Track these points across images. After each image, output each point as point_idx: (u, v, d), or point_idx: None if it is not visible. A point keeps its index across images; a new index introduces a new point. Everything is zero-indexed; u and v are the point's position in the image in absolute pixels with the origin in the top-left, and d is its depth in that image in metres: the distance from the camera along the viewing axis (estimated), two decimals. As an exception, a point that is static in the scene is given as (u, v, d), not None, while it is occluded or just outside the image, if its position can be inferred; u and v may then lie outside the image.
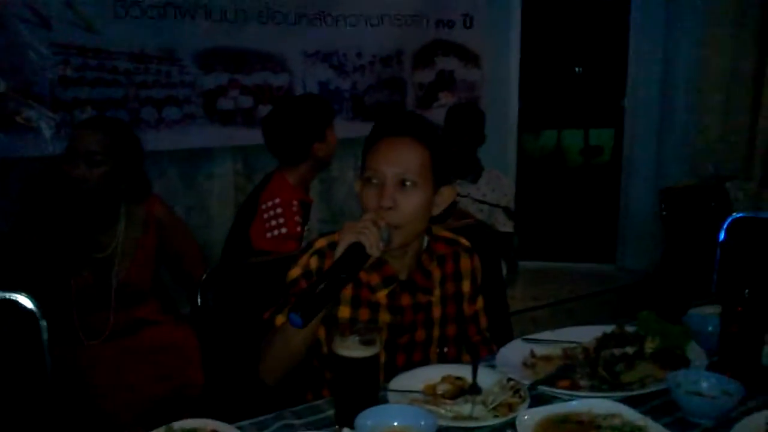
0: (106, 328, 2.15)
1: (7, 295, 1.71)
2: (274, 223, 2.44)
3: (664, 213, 3.22)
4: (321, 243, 1.56)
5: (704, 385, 1.30)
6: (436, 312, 1.63)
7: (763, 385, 1.38)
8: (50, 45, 2.84)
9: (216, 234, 3.24)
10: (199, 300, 1.76)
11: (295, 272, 1.55)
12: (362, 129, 3.68)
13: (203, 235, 3.22)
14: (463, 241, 1.71)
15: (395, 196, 1.47)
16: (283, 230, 2.43)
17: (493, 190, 3.37)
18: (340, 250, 1.39)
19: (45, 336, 1.71)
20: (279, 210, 2.46)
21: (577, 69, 6.60)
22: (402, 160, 1.48)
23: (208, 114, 3.26)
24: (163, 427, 1.16)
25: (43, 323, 1.70)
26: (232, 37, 3.27)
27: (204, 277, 1.78)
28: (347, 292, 1.55)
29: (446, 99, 4.01)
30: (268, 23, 3.36)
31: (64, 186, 2.09)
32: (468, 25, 4.03)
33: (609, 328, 1.58)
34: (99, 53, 2.96)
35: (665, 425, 1.21)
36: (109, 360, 2.11)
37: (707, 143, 4.18)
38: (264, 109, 3.35)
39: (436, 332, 1.64)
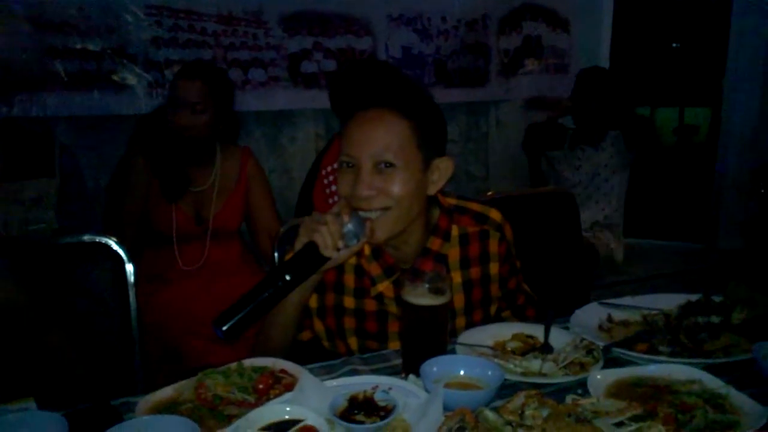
0: (201, 258, 2.29)
1: (98, 238, 1.82)
2: (334, 188, 2.45)
3: (762, 191, 3.04)
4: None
5: (795, 356, 1.22)
6: (458, 300, 1.44)
7: None
8: (144, 6, 2.94)
9: (296, 196, 3.30)
10: (275, 255, 1.81)
11: None
12: (444, 95, 3.65)
13: (284, 196, 3.28)
14: (494, 215, 1.49)
15: (374, 181, 1.27)
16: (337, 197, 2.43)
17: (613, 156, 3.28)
18: (296, 247, 1.25)
19: (131, 279, 1.80)
20: (332, 178, 2.46)
21: (674, 44, 6.25)
22: (377, 139, 1.27)
23: (292, 77, 3.30)
24: (235, 363, 1.19)
25: (130, 267, 1.80)
26: (317, 0, 3.29)
27: (280, 232, 1.83)
28: (350, 281, 1.42)
29: (532, 66, 3.90)
30: (352, -14, 3.36)
31: (169, 132, 2.22)
32: (558, -12, 3.89)
33: (694, 297, 1.51)
34: (190, 15, 3.04)
35: (750, 396, 1.14)
36: (198, 288, 2.23)
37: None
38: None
39: (461, 322, 1.46)
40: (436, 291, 1.22)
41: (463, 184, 3.72)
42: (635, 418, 0.97)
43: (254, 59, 3.22)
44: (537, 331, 1.38)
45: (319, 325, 1.46)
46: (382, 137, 1.28)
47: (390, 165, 1.28)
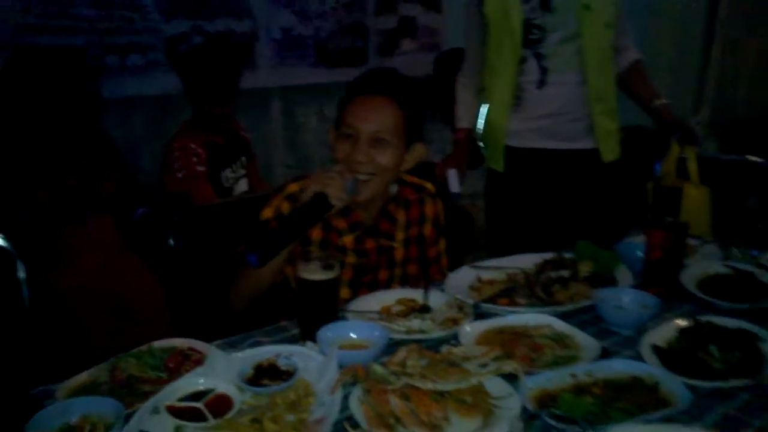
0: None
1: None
2: (176, 166, 2.68)
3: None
4: (293, 187, 1.67)
5: (625, 300, 1.48)
6: (399, 254, 1.77)
7: (678, 300, 1.57)
8: (11, -8, 2.84)
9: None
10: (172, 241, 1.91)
11: (267, 213, 1.67)
12: (325, 75, 3.77)
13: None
14: (429, 186, 1.84)
15: (369, 151, 1.58)
16: (184, 173, 2.66)
17: None
18: (305, 198, 1.51)
19: (22, 275, 1.82)
20: (176, 154, 2.69)
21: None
22: (378, 119, 1.59)
23: (171, 61, 3.29)
24: (145, 345, 1.29)
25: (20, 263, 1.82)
26: (195, -18, 3.29)
27: (176, 219, 1.92)
28: (317, 235, 1.67)
29: (407, 46, 4.09)
30: (231, -32, 3.38)
31: None
32: (429, -31, 4.08)
33: (549, 255, 1.76)
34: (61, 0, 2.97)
35: (590, 334, 1.38)
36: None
37: None
38: (228, 56, 3.40)
39: (398, 272, 1.78)
40: (327, 267, 1.37)
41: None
42: (497, 359, 1.18)
43: (132, 44, 3.18)
44: (418, 295, 1.58)
45: (288, 270, 1.64)
46: (382, 118, 1.60)
47: (383, 141, 1.59)
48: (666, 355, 1.27)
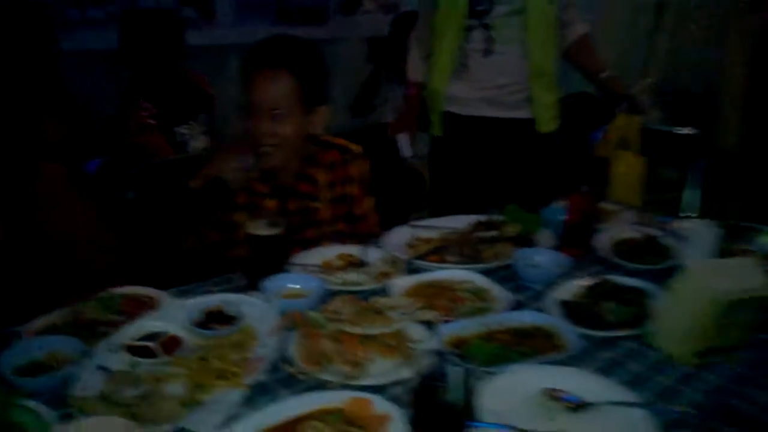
0: None
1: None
2: (127, 118, 2.79)
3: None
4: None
5: (540, 259, 1.66)
6: (325, 213, 1.88)
7: (591, 261, 1.76)
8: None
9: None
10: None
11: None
12: (285, 33, 3.82)
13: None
14: (355, 148, 1.93)
15: (269, 124, 1.69)
16: (135, 125, 2.78)
17: None
18: (203, 182, 1.66)
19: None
20: (127, 108, 2.79)
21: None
22: (272, 92, 1.67)
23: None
24: (104, 291, 1.42)
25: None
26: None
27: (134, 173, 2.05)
28: (242, 199, 1.79)
29: (369, 5, 4.15)
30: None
31: None
32: (390, -71, 4.12)
33: (481, 217, 1.92)
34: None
35: (507, 289, 1.56)
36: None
37: None
38: (187, 10, 3.44)
39: (327, 229, 1.89)
40: (273, 224, 1.51)
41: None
42: (418, 309, 1.34)
43: (91, -4, 3.20)
44: (357, 250, 1.73)
45: (216, 236, 1.78)
46: (275, 91, 1.67)
47: (280, 113, 1.68)
48: (567, 308, 1.46)
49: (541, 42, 2.32)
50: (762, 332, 1.35)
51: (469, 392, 0.91)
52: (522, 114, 2.41)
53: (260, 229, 1.50)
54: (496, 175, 2.45)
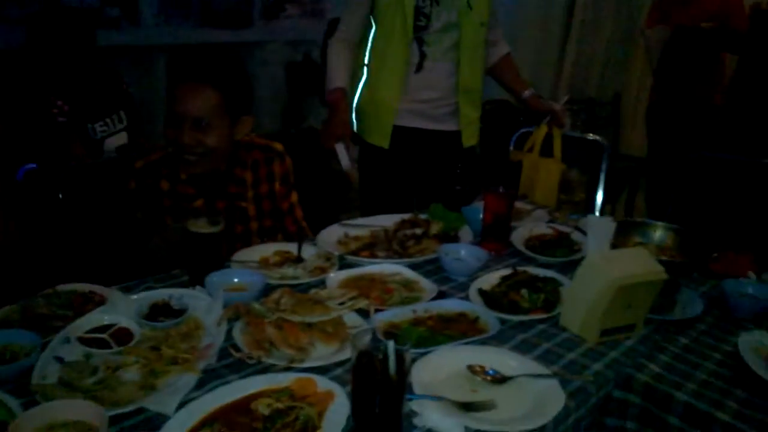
0: None
1: None
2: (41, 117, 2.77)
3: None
4: (139, 164, 1.92)
5: (462, 253, 1.82)
6: (251, 210, 1.99)
7: (509, 255, 1.93)
8: None
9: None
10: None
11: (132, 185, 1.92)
12: (208, 35, 3.86)
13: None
14: (277, 146, 2.04)
15: (194, 134, 1.78)
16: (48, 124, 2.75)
17: None
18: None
19: None
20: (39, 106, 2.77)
21: None
22: (197, 104, 1.76)
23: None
24: (50, 289, 1.47)
25: None
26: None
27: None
28: (167, 203, 1.88)
29: (292, 10, 4.24)
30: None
31: None
32: (314, -64, 4.23)
33: (407, 216, 2.07)
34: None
35: (434, 281, 1.71)
36: None
37: None
38: (111, 11, 3.43)
39: (253, 225, 2.01)
40: (213, 222, 1.59)
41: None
42: (353, 299, 1.47)
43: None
44: (293, 248, 1.83)
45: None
46: (201, 103, 1.77)
47: (205, 123, 1.78)
48: (487, 296, 1.62)
49: (469, 59, 2.46)
50: (653, 313, 1.55)
51: (402, 365, 1.04)
52: (449, 126, 2.56)
53: (201, 227, 1.58)
54: (422, 180, 2.59)
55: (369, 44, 2.49)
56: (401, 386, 1.05)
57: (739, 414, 1.25)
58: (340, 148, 2.37)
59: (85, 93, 2.87)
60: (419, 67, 2.45)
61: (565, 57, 5.27)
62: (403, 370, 1.04)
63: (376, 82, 2.50)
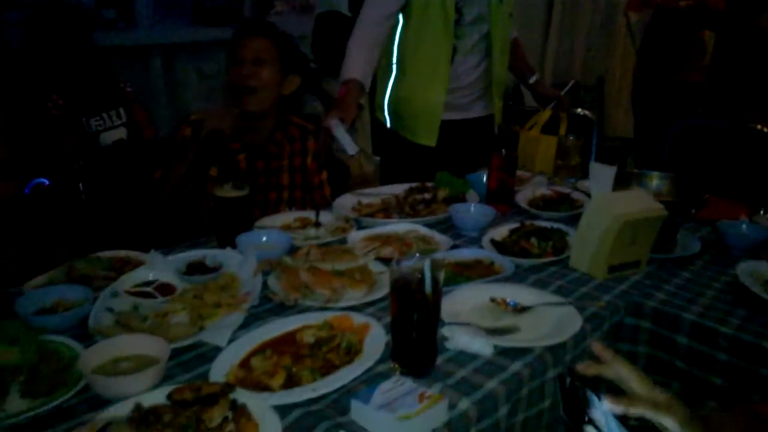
0: None
1: None
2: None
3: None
4: (196, 116, 2.07)
5: (472, 209, 1.92)
6: (285, 179, 2.15)
7: (513, 214, 2.03)
8: None
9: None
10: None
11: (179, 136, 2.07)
12: (203, 34, 3.94)
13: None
14: (310, 126, 2.24)
15: (252, 68, 2.06)
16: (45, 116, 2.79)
17: None
18: (203, 135, 1.93)
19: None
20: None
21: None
22: (257, 47, 2.07)
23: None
24: (94, 254, 1.55)
25: None
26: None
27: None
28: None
29: (281, 7, 4.33)
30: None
31: None
32: (299, -65, 4.33)
33: (415, 184, 2.16)
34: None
35: (447, 235, 1.81)
36: None
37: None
38: (108, 12, 3.51)
39: (285, 195, 2.15)
40: (239, 187, 1.68)
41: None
42: (376, 248, 1.56)
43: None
44: (310, 215, 1.93)
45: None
46: (260, 46, 2.08)
47: (262, 60, 2.07)
48: (499, 245, 1.72)
49: (500, 52, 2.51)
50: (655, 253, 1.66)
51: (437, 285, 1.13)
52: (476, 113, 2.62)
53: (227, 191, 1.67)
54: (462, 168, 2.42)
55: (397, 41, 2.48)
56: (437, 305, 1.15)
57: (741, 327, 1.36)
58: (340, 130, 2.14)
59: (80, 88, 2.92)
60: (450, 61, 2.46)
61: (547, 44, 5.40)
62: (438, 289, 1.13)
63: (413, 80, 2.49)
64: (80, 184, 2.44)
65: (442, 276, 1.14)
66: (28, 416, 1.00)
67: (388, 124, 2.60)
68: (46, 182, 2.58)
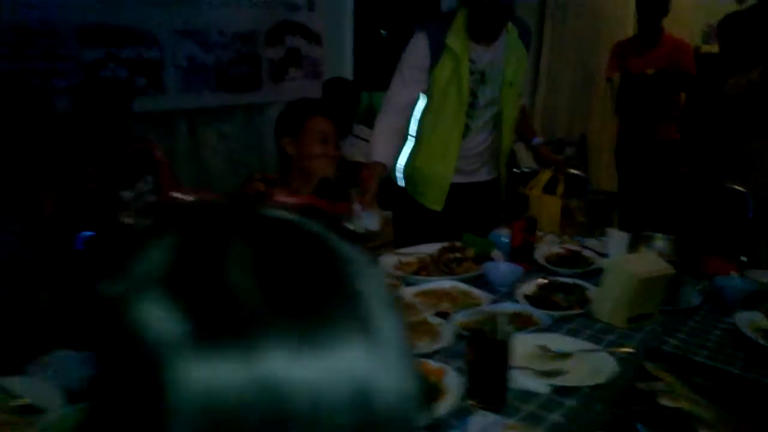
0: None
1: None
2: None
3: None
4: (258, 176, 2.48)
5: (502, 267, 2.20)
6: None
7: (535, 270, 2.32)
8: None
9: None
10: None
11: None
12: (224, 99, 4.25)
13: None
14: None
15: (324, 147, 2.44)
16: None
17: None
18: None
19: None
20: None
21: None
22: (326, 127, 2.46)
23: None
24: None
25: None
26: (110, 15, 3.64)
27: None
28: None
29: (294, 73, 4.66)
30: (140, 2, 3.77)
31: None
32: (310, 8, 4.69)
33: (446, 244, 2.45)
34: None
35: (482, 290, 2.08)
36: None
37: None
38: (139, 80, 3.79)
39: None
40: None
41: (241, 171, 4.31)
42: (433, 305, 1.82)
43: (53, 69, 3.47)
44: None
45: None
46: (328, 127, 2.46)
47: (330, 138, 2.46)
48: (532, 299, 2.00)
49: (510, 128, 2.86)
50: (664, 305, 1.95)
51: (507, 335, 1.40)
52: (481, 177, 2.93)
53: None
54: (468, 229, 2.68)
55: (417, 116, 2.78)
56: (508, 350, 1.41)
57: (745, 368, 1.64)
58: (368, 213, 2.37)
59: (115, 158, 3.03)
60: (463, 137, 2.78)
61: (535, 106, 5.82)
62: (510, 337, 1.40)
63: (428, 153, 2.81)
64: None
65: (512, 327, 1.41)
66: None
67: (401, 184, 2.92)
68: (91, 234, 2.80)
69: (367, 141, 4.18)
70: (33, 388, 1.37)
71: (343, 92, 4.44)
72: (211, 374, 0.48)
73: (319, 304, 0.50)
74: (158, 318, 0.49)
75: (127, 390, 0.52)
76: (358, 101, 4.52)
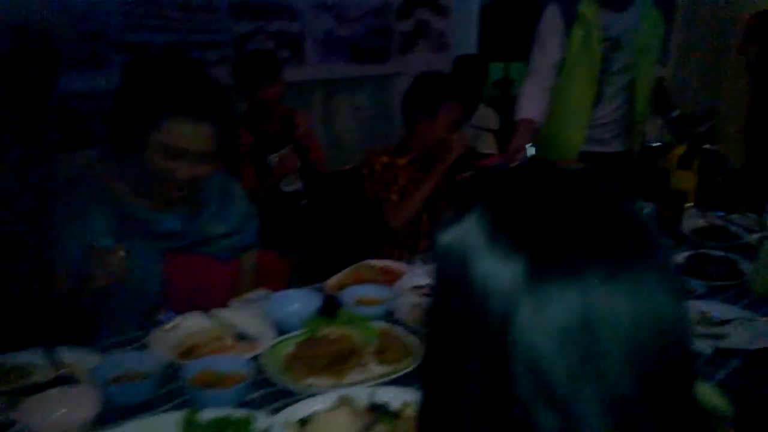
0: None
1: None
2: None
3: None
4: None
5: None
6: None
7: (683, 242, 2.36)
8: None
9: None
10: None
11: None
12: (357, 70, 4.44)
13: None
14: None
15: None
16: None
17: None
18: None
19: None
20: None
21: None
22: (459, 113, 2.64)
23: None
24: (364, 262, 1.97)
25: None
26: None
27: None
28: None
29: (422, 45, 4.78)
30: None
31: None
32: (439, -19, 4.79)
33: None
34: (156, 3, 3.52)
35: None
36: None
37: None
38: (283, 52, 4.03)
39: None
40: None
41: (371, 140, 4.48)
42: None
43: (209, 42, 3.76)
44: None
45: None
46: (459, 113, 2.65)
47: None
48: (684, 269, 2.05)
49: (644, 95, 2.83)
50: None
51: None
52: (613, 148, 2.93)
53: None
54: None
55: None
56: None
57: None
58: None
59: (269, 127, 3.24)
60: (594, 105, 2.79)
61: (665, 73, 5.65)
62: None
63: (558, 118, 2.81)
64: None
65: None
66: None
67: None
68: None
69: (487, 131, 4.25)
70: (248, 320, 1.59)
71: (473, 69, 4.52)
72: (545, 312, 0.56)
73: (629, 245, 0.60)
74: (496, 267, 0.58)
75: (472, 333, 0.60)
76: (486, 75, 4.58)
